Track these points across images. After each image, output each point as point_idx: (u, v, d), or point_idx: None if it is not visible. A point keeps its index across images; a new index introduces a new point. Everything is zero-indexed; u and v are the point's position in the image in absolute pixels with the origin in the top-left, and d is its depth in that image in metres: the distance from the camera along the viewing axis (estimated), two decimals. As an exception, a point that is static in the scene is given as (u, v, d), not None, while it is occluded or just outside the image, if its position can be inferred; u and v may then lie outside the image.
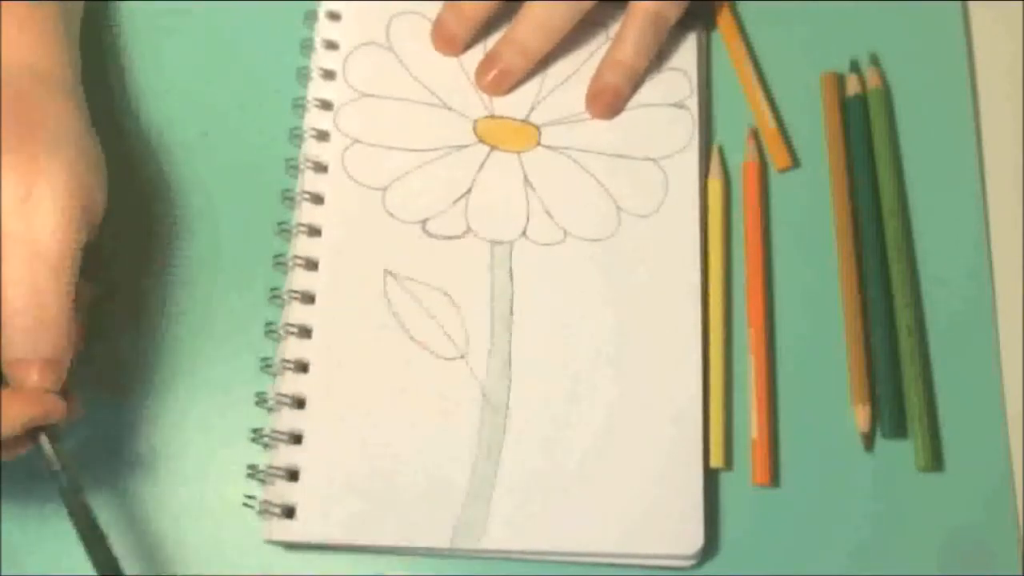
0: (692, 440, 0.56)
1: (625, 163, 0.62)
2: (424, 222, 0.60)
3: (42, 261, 0.49)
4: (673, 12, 0.63)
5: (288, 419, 0.56)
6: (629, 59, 0.63)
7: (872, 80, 0.64)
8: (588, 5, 0.63)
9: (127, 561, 0.55)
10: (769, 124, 0.63)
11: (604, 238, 0.60)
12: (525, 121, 0.63)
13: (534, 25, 0.63)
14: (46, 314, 0.49)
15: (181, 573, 0.55)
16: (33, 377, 0.49)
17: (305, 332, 0.57)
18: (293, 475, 0.55)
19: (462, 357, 0.57)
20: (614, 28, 0.64)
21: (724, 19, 0.65)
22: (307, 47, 0.64)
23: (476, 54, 0.64)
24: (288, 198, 0.60)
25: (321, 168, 0.61)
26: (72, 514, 0.50)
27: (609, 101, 0.63)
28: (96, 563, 0.50)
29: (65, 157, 0.51)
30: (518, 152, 0.62)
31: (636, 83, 0.63)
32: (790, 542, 0.56)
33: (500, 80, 0.63)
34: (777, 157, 0.63)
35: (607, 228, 0.60)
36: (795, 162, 0.63)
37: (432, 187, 0.61)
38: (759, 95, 0.64)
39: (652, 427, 0.56)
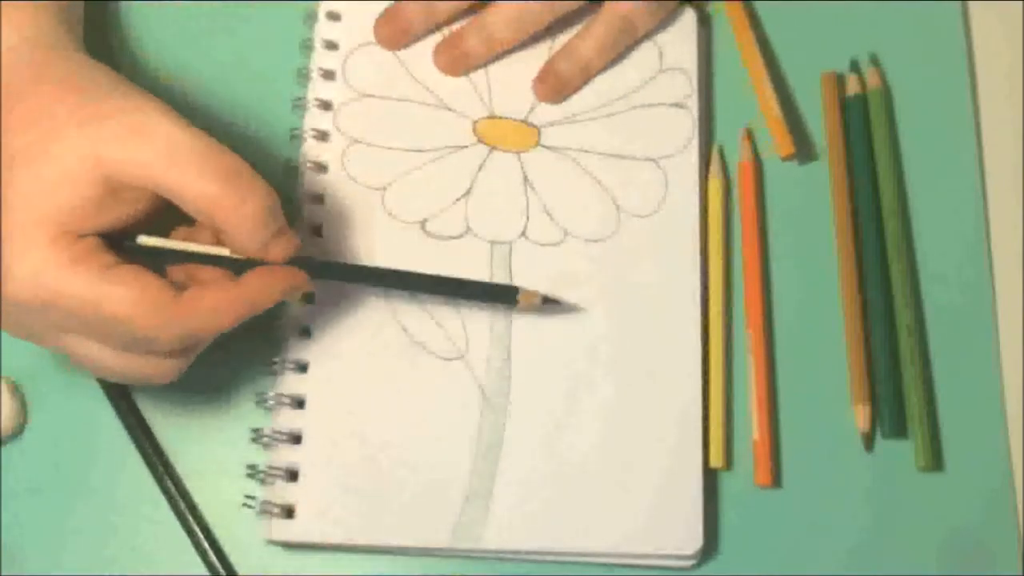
0: (692, 440, 0.56)
1: (625, 163, 0.62)
2: (424, 222, 0.60)
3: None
4: (643, 22, 0.63)
5: (288, 419, 0.56)
6: (587, 53, 0.63)
7: (872, 80, 0.64)
8: (566, 7, 0.63)
9: (127, 561, 0.55)
10: (774, 112, 0.63)
11: (604, 238, 0.60)
12: (525, 121, 0.63)
13: (507, 17, 0.62)
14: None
15: (181, 573, 0.55)
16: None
17: (305, 332, 0.57)
18: (293, 475, 0.55)
19: (461, 357, 0.57)
20: None
21: (734, 9, 0.65)
22: (307, 47, 0.63)
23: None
24: (288, 198, 0.60)
25: (321, 168, 0.61)
26: None
27: (554, 86, 0.63)
28: None
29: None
30: (518, 152, 0.62)
31: (586, 78, 0.63)
32: (790, 542, 0.56)
33: (458, 63, 0.63)
34: (781, 144, 0.62)
35: (607, 228, 0.60)
36: (798, 153, 0.63)
37: (432, 187, 0.61)
38: (767, 83, 0.63)
39: (652, 427, 0.56)
